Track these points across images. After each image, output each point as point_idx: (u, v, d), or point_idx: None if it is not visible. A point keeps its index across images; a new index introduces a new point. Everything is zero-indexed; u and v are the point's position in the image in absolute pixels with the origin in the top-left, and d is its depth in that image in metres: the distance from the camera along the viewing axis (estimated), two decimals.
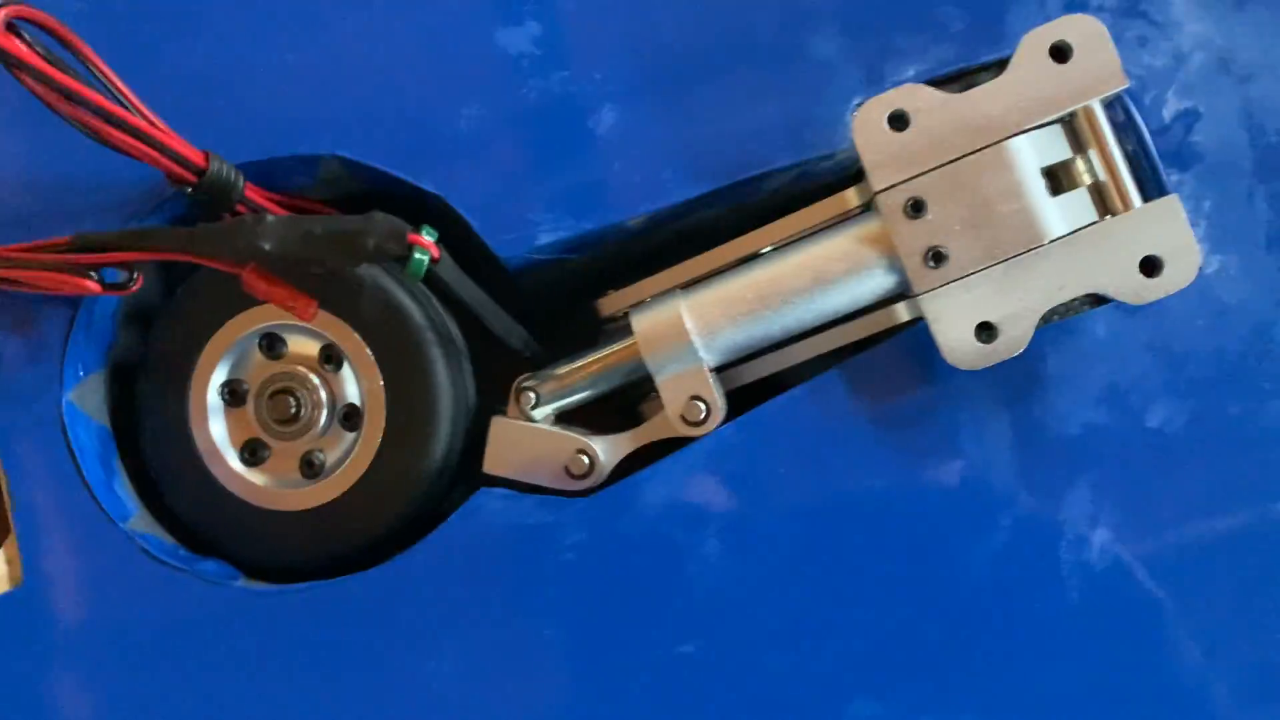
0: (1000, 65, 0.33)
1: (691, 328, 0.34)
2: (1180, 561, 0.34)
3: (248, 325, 0.37)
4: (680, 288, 0.35)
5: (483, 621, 0.34)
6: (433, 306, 0.36)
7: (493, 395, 0.37)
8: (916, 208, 0.32)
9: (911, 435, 0.34)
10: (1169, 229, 0.32)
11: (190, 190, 0.33)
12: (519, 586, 0.34)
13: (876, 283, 0.33)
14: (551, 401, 0.36)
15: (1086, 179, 0.33)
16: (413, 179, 0.35)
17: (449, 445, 0.36)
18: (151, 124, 0.32)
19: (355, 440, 0.36)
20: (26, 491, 0.36)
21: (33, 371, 0.36)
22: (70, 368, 0.37)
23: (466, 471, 0.37)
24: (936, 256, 0.32)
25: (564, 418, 0.37)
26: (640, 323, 0.34)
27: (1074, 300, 0.35)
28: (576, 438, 0.35)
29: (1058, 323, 0.35)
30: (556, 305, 0.40)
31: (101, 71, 0.32)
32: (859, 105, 0.34)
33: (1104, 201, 0.33)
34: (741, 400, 0.36)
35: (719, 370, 0.35)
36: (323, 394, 0.37)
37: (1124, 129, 0.36)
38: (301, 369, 0.37)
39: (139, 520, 0.37)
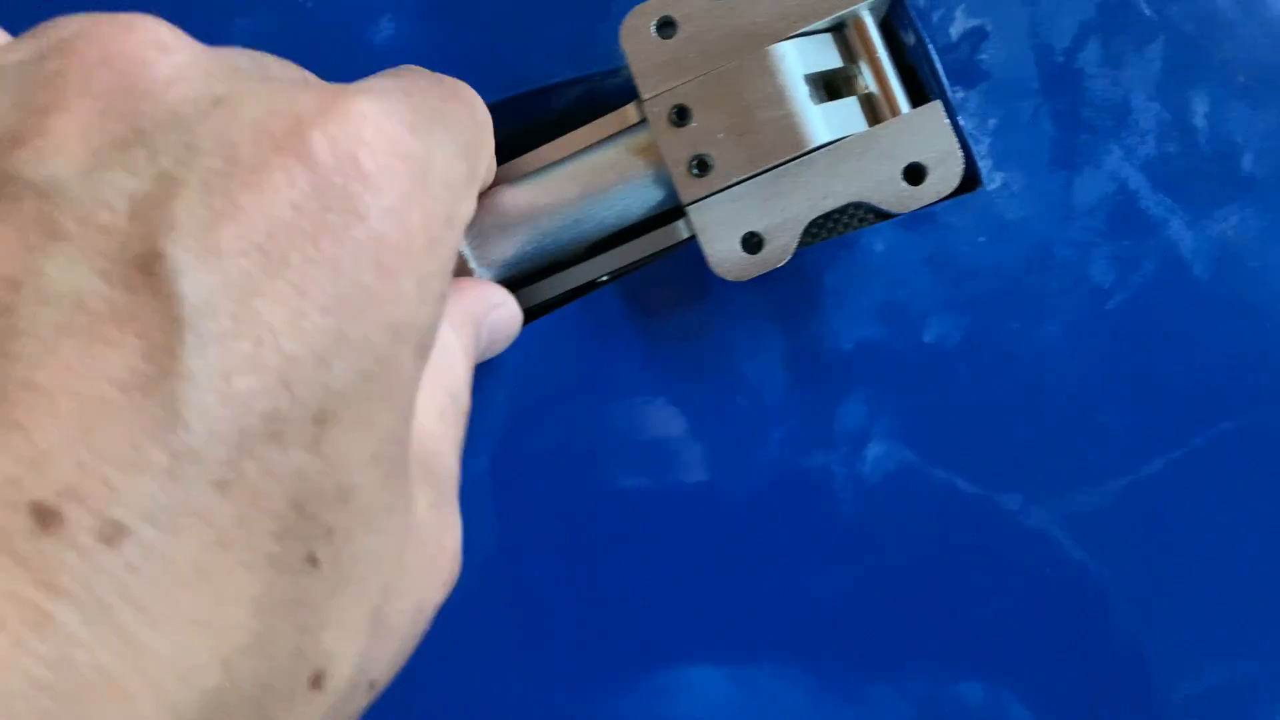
0: None
1: (467, 247, 0.33)
2: (950, 473, 0.33)
3: None
4: None
5: None
6: None
7: None
8: (680, 115, 0.31)
9: (683, 352, 0.34)
10: (932, 136, 0.31)
11: None
12: None
13: (647, 194, 0.33)
14: None
15: (857, 88, 0.33)
16: None
17: None
18: None
19: None
20: None
21: None
22: None
23: None
24: (701, 165, 0.31)
25: None
26: None
27: (848, 212, 0.34)
28: None
29: (837, 238, 0.35)
30: None
31: None
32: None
33: (874, 112, 0.33)
34: None
35: None
36: None
37: (911, 48, 0.36)
38: None
39: None
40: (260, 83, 0.18)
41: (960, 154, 0.31)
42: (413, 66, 0.24)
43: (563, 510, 0.33)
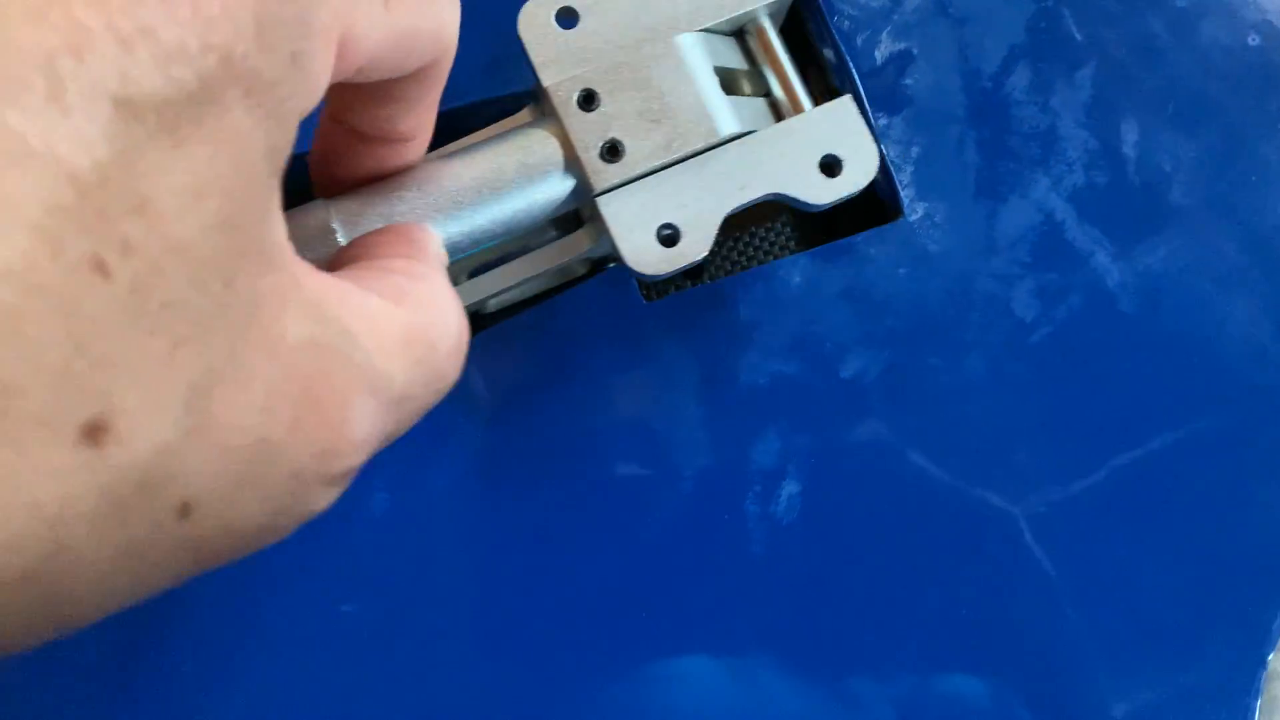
0: None
1: (339, 228, 0.28)
2: (867, 516, 0.32)
3: None
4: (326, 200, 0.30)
5: None
6: None
7: None
8: (588, 99, 0.30)
9: (593, 384, 0.33)
10: (845, 129, 0.31)
11: None
12: None
13: (552, 182, 0.30)
14: None
15: (760, 88, 0.32)
16: None
17: None
18: None
19: None
20: None
21: None
22: None
23: None
24: (612, 150, 0.30)
25: None
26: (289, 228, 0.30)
27: (767, 226, 0.33)
28: None
29: (754, 269, 0.34)
30: None
31: None
32: None
33: (778, 114, 0.32)
34: None
35: None
36: None
37: (834, 69, 0.35)
38: None
39: None
40: None
41: (874, 146, 0.30)
42: None
43: (469, 561, 0.32)
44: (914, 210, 0.34)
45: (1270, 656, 0.32)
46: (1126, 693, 0.32)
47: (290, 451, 0.17)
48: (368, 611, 0.32)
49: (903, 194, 0.34)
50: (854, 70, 0.34)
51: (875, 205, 0.35)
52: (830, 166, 0.30)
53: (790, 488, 0.32)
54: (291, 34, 0.16)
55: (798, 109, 0.32)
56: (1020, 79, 0.35)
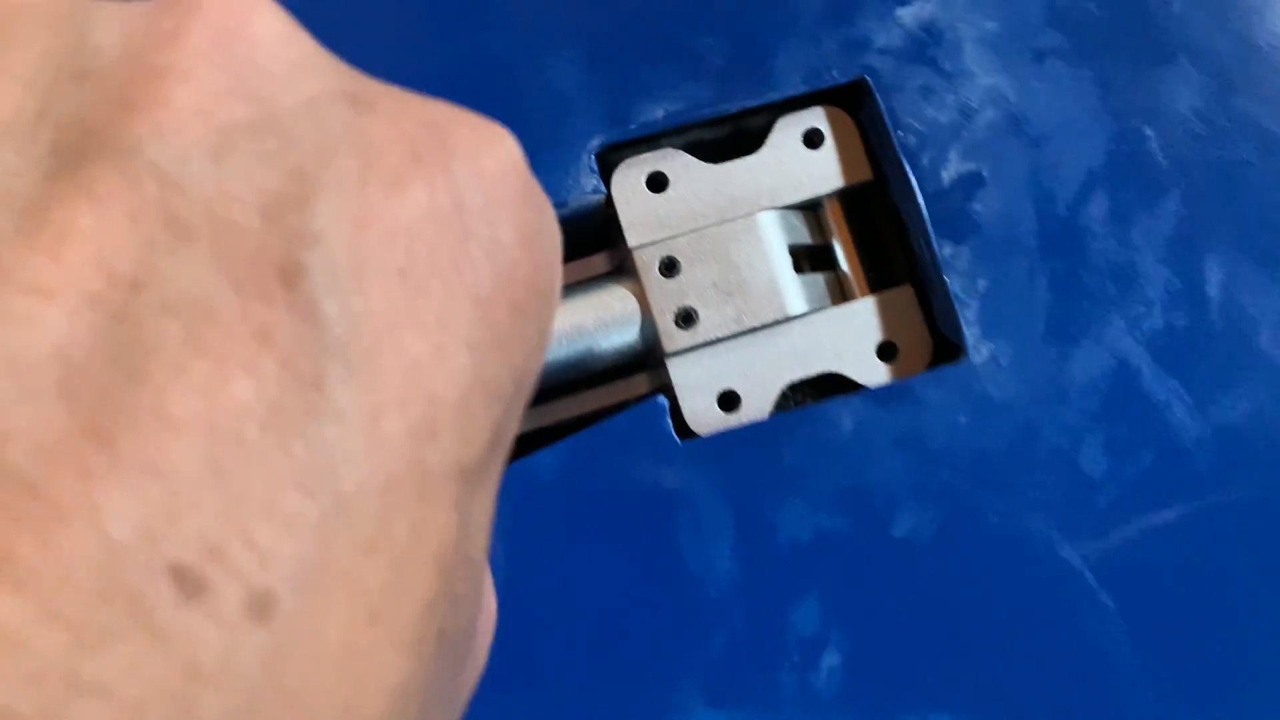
0: (768, 112, 0.32)
1: None
2: (917, 695, 0.30)
3: None
4: None
5: None
6: None
7: None
8: (670, 267, 0.32)
9: (617, 527, 0.30)
10: (903, 317, 0.32)
11: None
12: None
13: (626, 337, 0.32)
14: None
15: (827, 265, 0.33)
16: None
17: None
18: None
19: None
20: None
21: None
22: None
23: None
24: (687, 317, 0.31)
25: None
26: None
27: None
28: None
29: (802, 409, 0.31)
30: None
31: None
32: (601, 151, 0.32)
33: (843, 289, 0.33)
34: None
35: None
36: None
37: (897, 191, 0.32)
38: None
39: None
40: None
41: (930, 341, 0.32)
42: None
43: None
44: (978, 351, 0.31)
45: None
46: None
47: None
48: None
49: (967, 333, 0.31)
50: (919, 194, 0.31)
51: (940, 342, 0.32)
52: (887, 351, 0.32)
53: (831, 658, 0.30)
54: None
55: (862, 290, 0.33)
56: (1098, 207, 0.32)
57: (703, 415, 0.31)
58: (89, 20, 0.13)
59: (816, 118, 0.32)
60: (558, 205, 0.31)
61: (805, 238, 0.33)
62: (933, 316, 0.32)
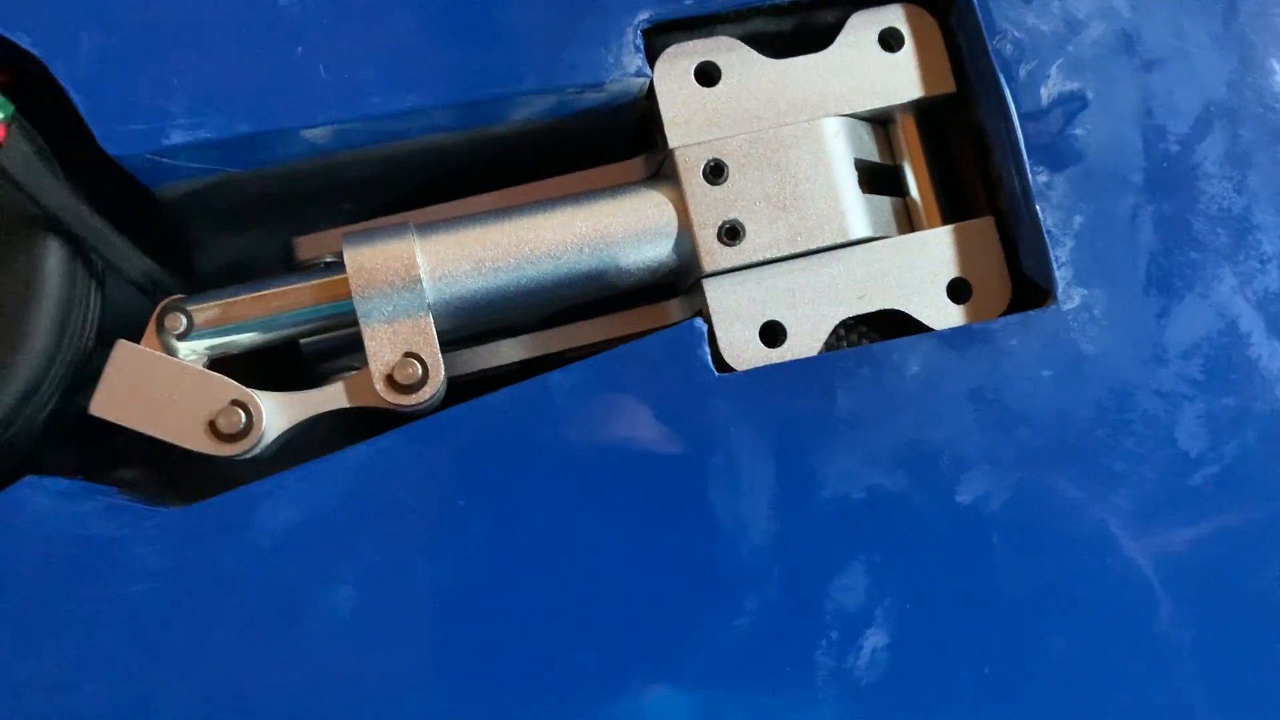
0: (841, 5, 0.28)
1: (424, 265, 0.26)
2: (970, 687, 0.25)
3: None
4: (415, 227, 0.27)
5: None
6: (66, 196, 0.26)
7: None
8: (716, 171, 0.27)
9: (637, 471, 0.25)
10: (980, 252, 0.28)
11: None
12: (61, 629, 0.24)
13: (659, 251, 0.27)
14: (209, 336, 0.26)
15: (896, 188, 0.29)
16: (2, 30, 0.25)
17: (34, 378, 0.25)
18: None
19: None
20: None
21: None
22: None
23: (65, 426, 0.27)
24: (732, 232, 0.27)
25: (222, 366, 0.27)
26: (357, 254, 0.26)
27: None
28: (232, 384, 0.26)
29: (861, 348, 0.26)
30: (237, 246, 0.31)
31: None
32: (650, 29, 0.27)
33: (911, 218, 0.29)
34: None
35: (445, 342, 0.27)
36: None
37: (986, 107, 0.28)
38: None
39: None
40: None
41: (1009, 282, 0.27)
42: None
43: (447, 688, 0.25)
44: (1069, 297, 0.27)
45: None
46: None
47: None
48: None
49: (1058, 274, 0.27)
50: (1013, 111, 0.27)
51: (1022, 283, 0.28)
52: (959, 290, 0.28)
53: (876, 638, 0.25)
54: None
55: (933, 220, 0.29)
56: (1214, 146, 0.28)
57: (741, 347, 0.27)
58: None
59: (896, 16, 0.28)
60: (594, 87, 0.27)
61: (873, 154, 0.28)
62: (1014, 254, 0.28)
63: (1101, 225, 0.27)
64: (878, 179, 0.28)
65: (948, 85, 0.28)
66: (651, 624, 0.25)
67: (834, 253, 0.27)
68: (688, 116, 0.27)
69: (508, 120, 0.27)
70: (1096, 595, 0.26)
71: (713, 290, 0.27)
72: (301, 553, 0.24)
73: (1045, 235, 0.27)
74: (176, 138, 0.25)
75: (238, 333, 0.27)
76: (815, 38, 0.28)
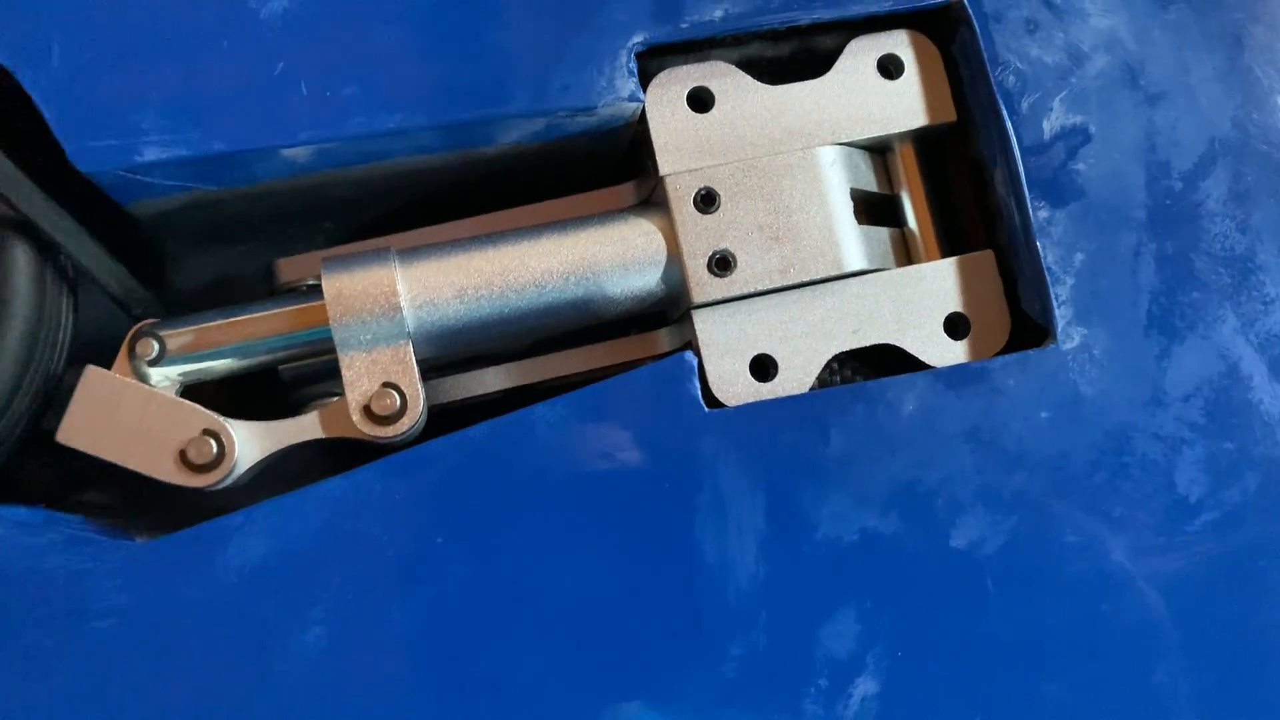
0: (840, 30, 0.27)
1: (405, 293, 0.25)
2: None
3: None
4: (397, 252, 0.26)
5: None
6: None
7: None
8: (708, 200, 0.27)
9: (626, 506, 0.24)
10: (979, 287, 0.27)
11: None
12: (17, 667, 0.23)
13: (647, 281, 0.27)
14: (182, 362, 0.26)
15: (893, 219, 0.28)
16: None
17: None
18: None
19: None
20: None
21: None
22: None
23: (33, 446, 0.26)
24: (722, 263, 0.26)
25: (195, 393, 0.26)
26: (336, 280, 0.25)
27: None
28: (204, 412, 0.25)
29: (854, 385, 0.26)
30: (216, 264, 0.30)
31: None
32: (643, 52, 0.26)
33: (909, 250, 0.28)
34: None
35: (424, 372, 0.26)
36: None
37: (987, 139, 0.27)
38: None
39: None
40: None
41: (1008, 319, 0.27)
42: None
43: None
44: (1069, 336, 0.26)
45: None
46: None
47: None
48: None
49: (1058, 313, 0.26)
50: (1014, 144, 0.26)
51: (1020, 318, 0.27)
52: (956, 326, 0.27)
53: (866, 686, 0.24)
54: None
55: (931, 252, 0.28)
56: (1218, 183, 0.27)
57: (731, 381, 0.26)
58: None
59: (897, 43, 0.27)
60: (585, 111, 0.26)
61: (871, 184, 0.28)
62: (1014, 291, 0.27)
63: (1103, 263, 0.26)
64: (874, 209, 0.28)
65: (949, 114, 0.27)
66: (634, 670, 0.24)
67: (828, 285, 0.26)
68: (680, 143, 0.27)
69: (495, 142, 0.27)
70: (1092, 643, 0.25)
71: (702, 322, 0.26)
72: (271, 591, 0.23)
73: (1046, 272, 0.26)
74: (150, 154, 0.24)
75: (212, 359, 0.26)
76: (813, 63, 0.28)
